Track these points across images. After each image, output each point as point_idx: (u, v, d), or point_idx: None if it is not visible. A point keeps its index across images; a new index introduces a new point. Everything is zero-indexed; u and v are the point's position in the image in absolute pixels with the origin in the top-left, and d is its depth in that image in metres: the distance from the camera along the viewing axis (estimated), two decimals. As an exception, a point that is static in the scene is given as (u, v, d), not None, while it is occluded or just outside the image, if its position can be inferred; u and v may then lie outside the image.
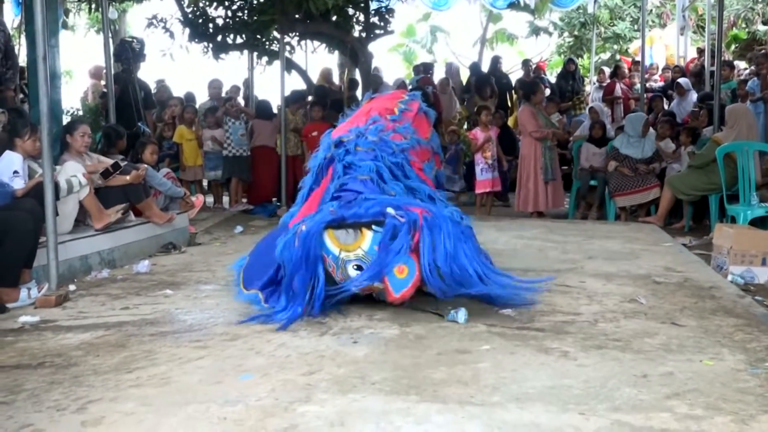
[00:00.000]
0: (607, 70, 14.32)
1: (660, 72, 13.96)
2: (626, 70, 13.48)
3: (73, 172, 5.52)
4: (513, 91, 13.22)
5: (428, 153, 5.13)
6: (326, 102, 10.14)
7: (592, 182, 9.06)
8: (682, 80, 11.45)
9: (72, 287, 4.88)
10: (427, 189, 4.67)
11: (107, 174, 5.86)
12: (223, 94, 10.69)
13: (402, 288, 3.84)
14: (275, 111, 9.93)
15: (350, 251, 3.94)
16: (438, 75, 13.68)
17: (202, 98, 11.00)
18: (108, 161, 6.32)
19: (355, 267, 3.94)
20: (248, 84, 11.18)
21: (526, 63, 14.83)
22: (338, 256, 3.95)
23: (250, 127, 9.57)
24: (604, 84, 13.51)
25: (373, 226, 3.95)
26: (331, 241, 3.96)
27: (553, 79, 14.98)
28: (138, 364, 3.24)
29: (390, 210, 3.96)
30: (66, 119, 8.12)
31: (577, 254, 5.97)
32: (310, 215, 4.15)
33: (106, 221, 5.69)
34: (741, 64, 14.14)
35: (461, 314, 3.88)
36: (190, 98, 10.97)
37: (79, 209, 5.61)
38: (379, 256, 3.88)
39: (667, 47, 16.39)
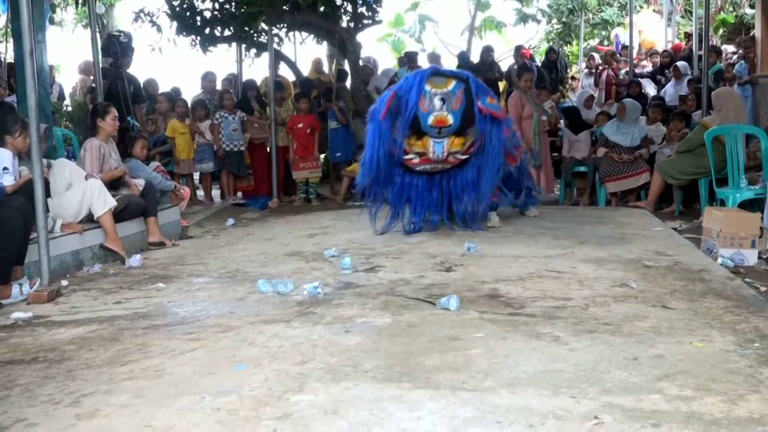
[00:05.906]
0: (597, 57, 14.32)
1: (648, 57, 13.96)
2: (611, 57, 13.48)
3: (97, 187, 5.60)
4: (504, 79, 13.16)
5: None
6: (310, 94, 10.11)
7: (581, 168, 9.07)
8: (680, 63, 11.46)
9: (64, 282, 4.89)
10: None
11: None
12: (217, 87, 10.64)
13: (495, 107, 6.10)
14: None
15: (438, 89, 5.96)
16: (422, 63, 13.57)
17: (188, 92, 10.94)
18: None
19: (440, 99, 5.92)
20: (238, 77, 11.13)
21: (518, 49, 14.75)
22: (429, 90, 5.93)
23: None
24: (594, 70, 13.51)
25: (456, 79, 6.03)
26: (426, 81, 5.96)
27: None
28: (131, 357, 3.25)
29: (471, 74, 6.22)
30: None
31: (567, 240, 5.99)
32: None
33: (116, 246, 5.68)
34: (729, 48, 14.17)
35: (453, 302, 3.90)
36: (176, 93, 10.89)
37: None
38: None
39: (641, 32, 16.38)
